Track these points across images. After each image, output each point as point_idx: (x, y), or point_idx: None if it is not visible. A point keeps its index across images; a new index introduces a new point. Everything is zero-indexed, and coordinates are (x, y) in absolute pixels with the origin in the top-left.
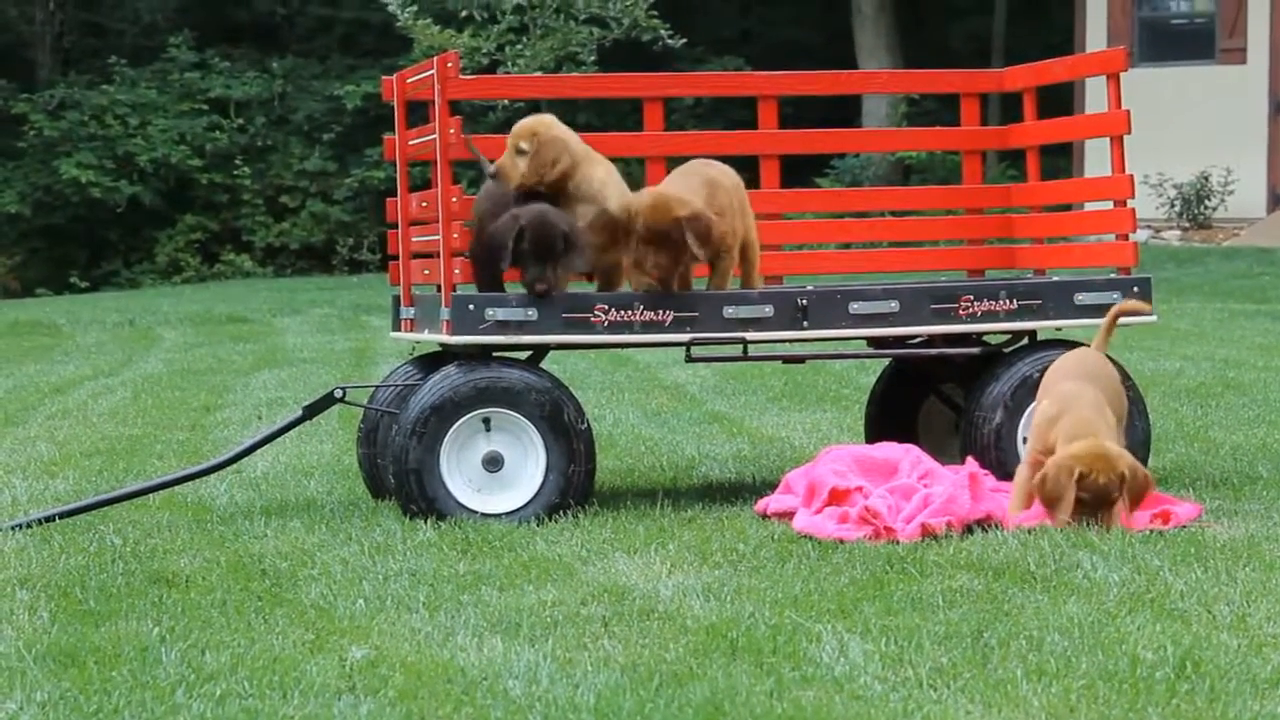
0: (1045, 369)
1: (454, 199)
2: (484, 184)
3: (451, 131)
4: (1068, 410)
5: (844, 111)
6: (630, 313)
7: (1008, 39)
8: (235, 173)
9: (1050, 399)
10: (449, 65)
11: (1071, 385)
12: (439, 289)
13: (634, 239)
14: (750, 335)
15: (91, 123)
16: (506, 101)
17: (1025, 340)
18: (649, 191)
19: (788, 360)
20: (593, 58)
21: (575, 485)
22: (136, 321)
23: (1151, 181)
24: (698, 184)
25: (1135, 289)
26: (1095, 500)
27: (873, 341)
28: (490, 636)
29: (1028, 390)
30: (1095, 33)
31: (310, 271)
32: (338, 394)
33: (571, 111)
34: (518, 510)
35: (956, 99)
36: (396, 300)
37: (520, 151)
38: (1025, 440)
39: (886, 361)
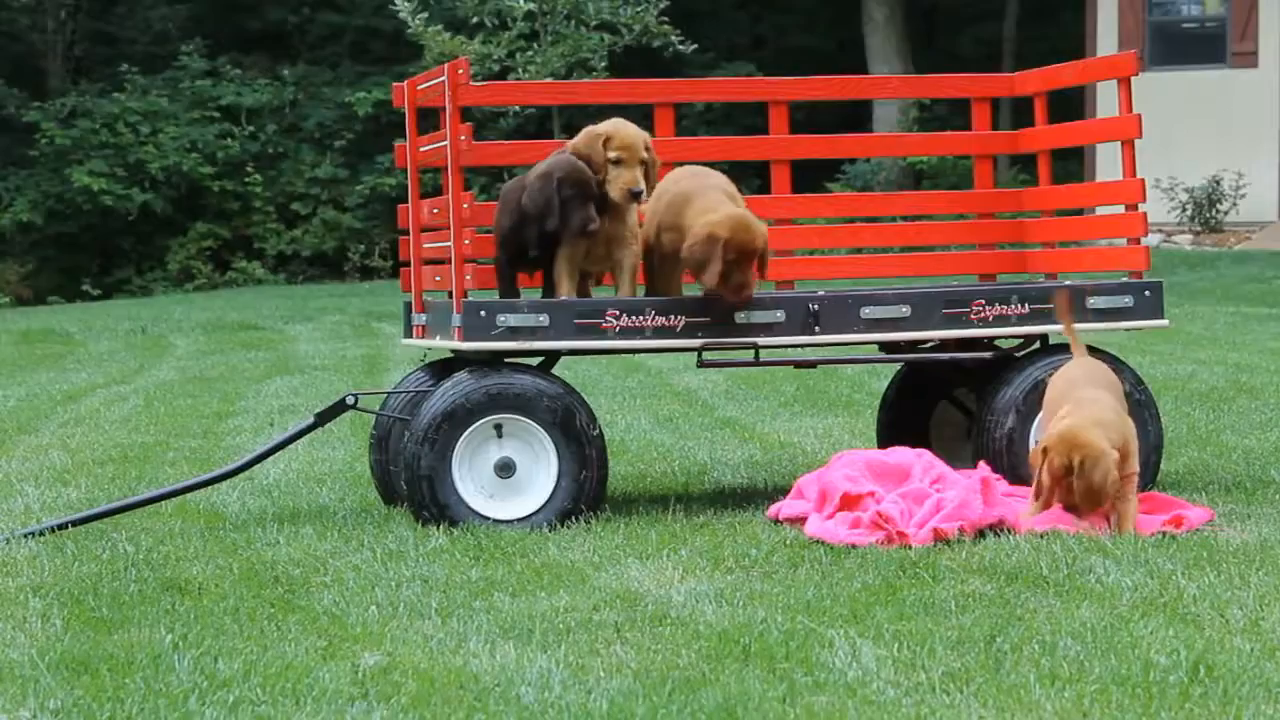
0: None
1: (465, 205)
2: (507, 187)
3: (462, 138)
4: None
5: (855, 117)
6: (641, 318)
7: (1018, 43)
8: (247, 180)
9: (1071, 405)
10: (460, 72)
11: (1091, 392)
12: (450, 295)
13: (719, 259)
14: (762, 340)
15: (103, 131)
16: (518, 108)
17: (1037, 344)
18: (726, 214)
19: (799, 365)
20: (604, 64)
21: (587, 491)
22: (148, 329)
23: (1163, 185)
24: (720, 196)
25: (1147, 293)
26: (1054, 482)
27: (884, 346)
28: (503, 643)
29: (1040, 394)
30: (1106, 37)
31: (322, 278)
32: (349, 401)
33: (582, 118)
34: (530, 516)
35: (967, 104)
36: (408, 307)
37: (642, 162)
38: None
39: (898, 366)
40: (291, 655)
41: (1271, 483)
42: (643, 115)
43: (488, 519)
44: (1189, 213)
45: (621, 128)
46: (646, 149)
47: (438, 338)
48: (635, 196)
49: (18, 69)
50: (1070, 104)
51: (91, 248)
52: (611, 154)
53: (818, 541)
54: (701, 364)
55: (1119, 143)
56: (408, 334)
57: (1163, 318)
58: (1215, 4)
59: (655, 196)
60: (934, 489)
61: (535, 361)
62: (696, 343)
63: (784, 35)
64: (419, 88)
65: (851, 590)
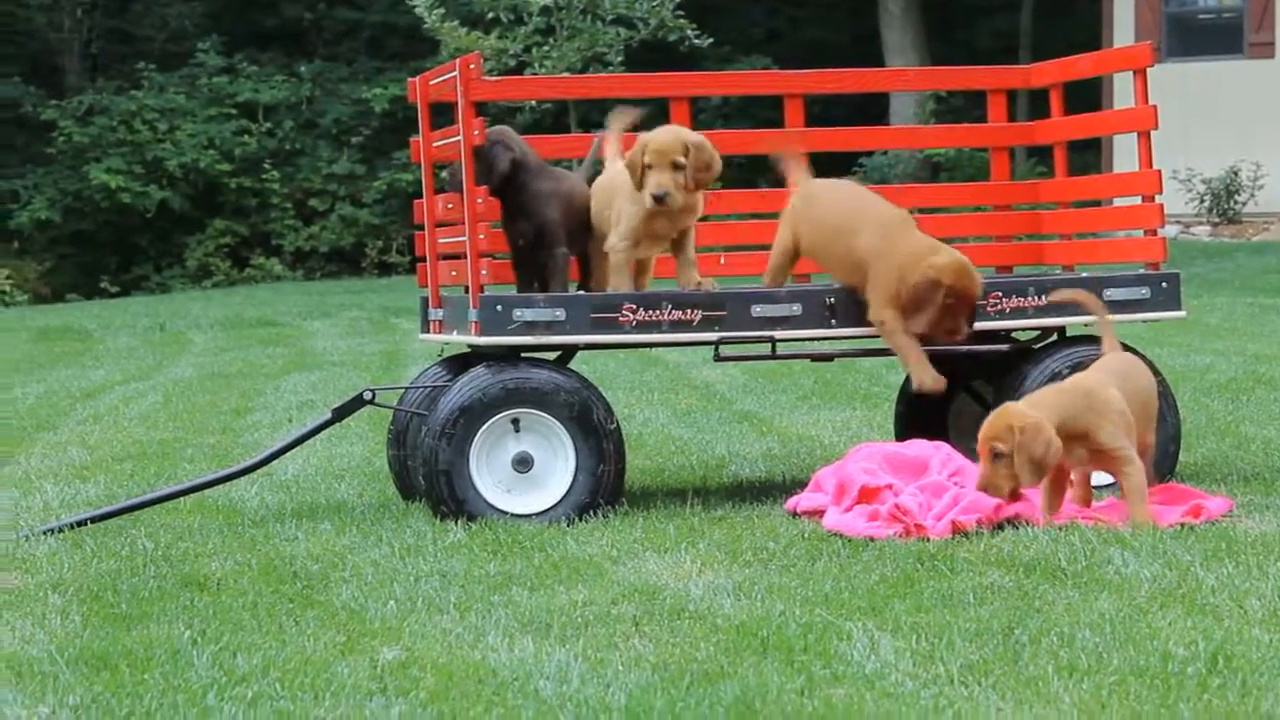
0: (1075, 366)
1: (480, 200)
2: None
3: (476, 133)
4: None
5: (871, 110)
6: (658, 312)
7: (1035, 35)
8: (264, 177)
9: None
10: (471, 67)
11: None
12: (467, 290)
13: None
14: (778, 334)
15: (120, 128)
16: (534, 103)
17: (1054, 337)
18: (949, 254)
19: (816, 358)
20: (620, 58)
21: (605, 485)
22: (167, 326)
23: (1181, 177)
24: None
25: (1164, 284)
26: (982, 457)
27: None
28: (521, 637)
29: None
30: (1123, 28)
31: (340, 274)
32: (367, 396)
33: (598, 112)
34: (548, 510)
35: (984, 96)
36: (425, 302)
37: (677, 167)
38: None
39: None
40: (310, 650)
41: None
42: (659, 109)
43: (505, 513)
44: (1207, 204)
45: (658, 134)
46: (686, 152)
47: (455, 333)
48: (659, 200)
49: (35, 67)
50: (1087, 96)
51: (109, 245)
52: (647, 159)
53: (836, 534)
54: (718, 358)
55: (1135, 134)
56: (425, 329)
57: (1180, 309)
58: None
59: None
60: (952, 481)
61: (552, 356)
62: (713, 336)
63: (800, 28)
64: (431, 83)
65: (870, 583)
